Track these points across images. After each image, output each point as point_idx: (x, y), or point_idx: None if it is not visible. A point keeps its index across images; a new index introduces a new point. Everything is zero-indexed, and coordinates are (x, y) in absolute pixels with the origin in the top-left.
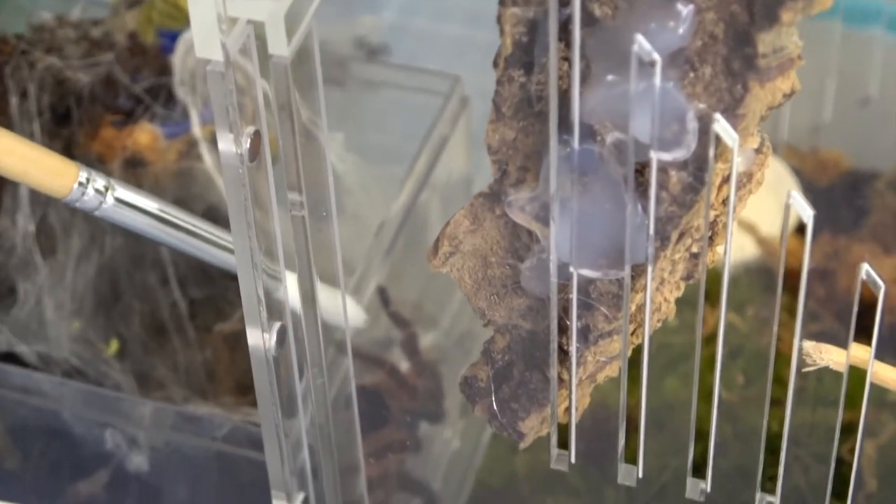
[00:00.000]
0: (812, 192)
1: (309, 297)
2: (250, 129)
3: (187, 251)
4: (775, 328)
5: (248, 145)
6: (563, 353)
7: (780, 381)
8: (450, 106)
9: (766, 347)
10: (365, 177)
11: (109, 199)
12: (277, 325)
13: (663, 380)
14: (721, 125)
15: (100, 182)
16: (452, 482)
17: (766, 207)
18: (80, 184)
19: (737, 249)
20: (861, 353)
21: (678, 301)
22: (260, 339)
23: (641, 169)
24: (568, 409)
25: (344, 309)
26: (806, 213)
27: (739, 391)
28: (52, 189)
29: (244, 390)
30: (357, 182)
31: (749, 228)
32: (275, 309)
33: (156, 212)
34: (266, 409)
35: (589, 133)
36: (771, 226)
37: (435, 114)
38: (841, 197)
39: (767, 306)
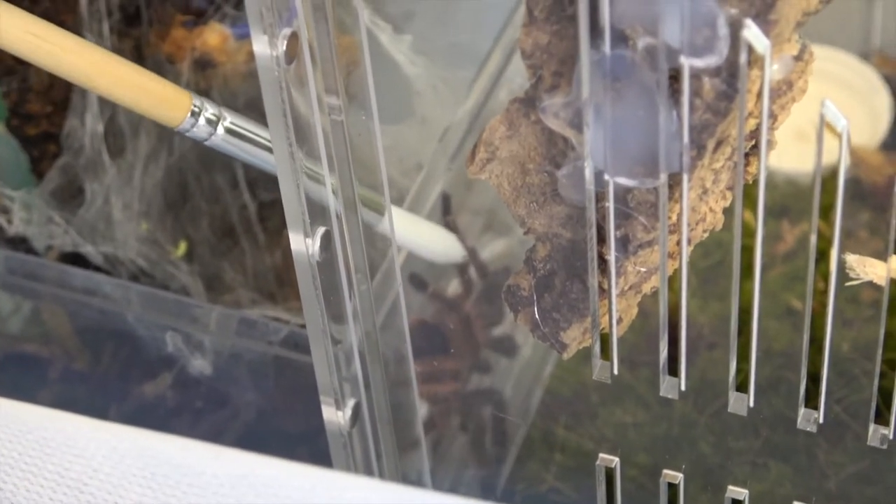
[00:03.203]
0: None
1: (351, 202)
2: (286, 31)
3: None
4: (813, 240)
5: (284, 48)
6: (604, 263)
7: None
8: (521, 8)
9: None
10: (435, 79)
11: (220, 129)
12: (322, 230)
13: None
14: (752, 31)
15: (210, 111)
16: (521, 390)
17: (857, 116)
18: (193, 113)
19: (825, 156)
20: None
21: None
22: (302, 244)
23: (675, 76)
24: (611, 320)
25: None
26: (840, 122)
27: (818, 298)
28: (164, 118)
29: None
30: (427, 85)
31: (837, 137)
32: (318, 214)
33: (267, 142)
34: (312, 315)
35: (620, 38)
36: (861, 135)
37: (506, 15)
38: None
39: (852, 216)
